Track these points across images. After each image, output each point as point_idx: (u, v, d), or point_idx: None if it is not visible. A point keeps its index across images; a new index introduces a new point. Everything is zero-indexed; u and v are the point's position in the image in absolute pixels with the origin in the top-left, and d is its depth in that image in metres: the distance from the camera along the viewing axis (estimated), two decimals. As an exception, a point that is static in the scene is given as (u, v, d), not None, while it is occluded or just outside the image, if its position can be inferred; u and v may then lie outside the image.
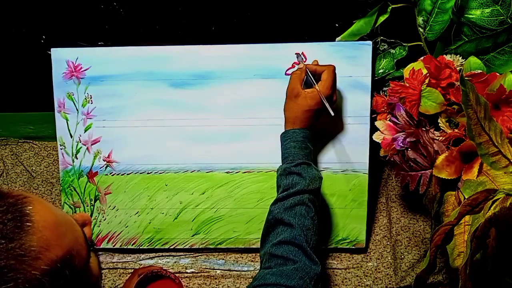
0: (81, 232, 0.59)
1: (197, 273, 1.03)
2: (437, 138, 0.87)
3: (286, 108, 0.91)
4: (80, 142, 1.02)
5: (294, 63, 0.97)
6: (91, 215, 1.03)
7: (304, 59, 0.96)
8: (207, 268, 1.04)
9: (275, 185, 1.00)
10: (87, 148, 1.02)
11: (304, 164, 0.86)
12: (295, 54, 0.97)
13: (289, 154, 0.88)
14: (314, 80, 0.90)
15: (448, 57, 0.89)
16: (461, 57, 0.89)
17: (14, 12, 1.01)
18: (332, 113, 0.89)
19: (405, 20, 0.93)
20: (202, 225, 1.03)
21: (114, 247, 1.04)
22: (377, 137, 0.95)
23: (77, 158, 1.02)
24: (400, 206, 1.08)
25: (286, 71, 0.98)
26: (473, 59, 0.87)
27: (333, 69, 0.90)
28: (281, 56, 0.97)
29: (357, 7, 0.95)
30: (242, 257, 1.05)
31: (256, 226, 1.02)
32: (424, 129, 0.88)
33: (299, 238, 0.80)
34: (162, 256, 1.05)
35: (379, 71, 0.98)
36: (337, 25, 0.99)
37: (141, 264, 1.04)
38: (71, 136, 1.02)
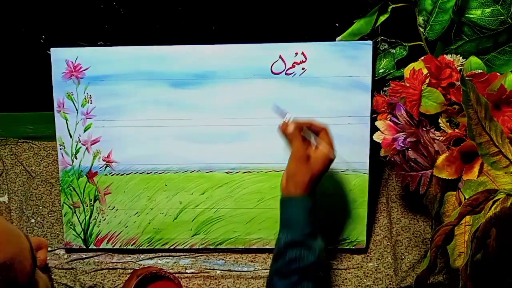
0: (28, 247, 0.59)
1: (197, 273, 1.03)
2: (437, 138, 0.87)
3: (295, 172, 0.83)
4: (80, 142, 1.02)
5: (283, 123, 0.91)
6: (91, 215, 1.03)
7: (285, 113, 0.89)
8: (207, 269, 1.04)
9: (275, 185, 1.00)
10: (87, 148, 1.02)
11: (312, 235, 0.82)
12: (275, 107, 0.92)
13: (299, 223, 0.82)
14: (315, 139, 0.86)
15: (448, 57, 0.89)
16: (461, 57, 0.89)
17: (14, 12, 1.01)
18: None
19: (406, 20, 0.93)
20: (202, 225, 1.03)
21: (114, 247, 1.04)
22: (377, 137, 0.94)
23: (76, 158, 1.02)
24: (401, 207, 1.08)
25: (286, 70, 0.98)
26: (473, 59, 0.87)
27: (328, 131, 0.87)
28: (281, 56, 0.97)
29: (357, 7, 0.95)
30: (242, 258, 1.04)
31: (256, 226, 1.02)
32: (424, 129, 0.88)
33: None
34: (162, 256, 1.05)
35: (380, 71, 0.98)
36: (337, 25, 0.99)
37: (141, 265, 1.04)
38: (71, 136, 1.02)
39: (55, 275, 1.03)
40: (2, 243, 0.55)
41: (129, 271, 1.02)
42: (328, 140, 0.86)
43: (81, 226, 1.03)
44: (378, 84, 0.99)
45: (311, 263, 0.80)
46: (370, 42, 0.96)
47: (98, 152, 1.02)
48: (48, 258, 1.05)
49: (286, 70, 0.97)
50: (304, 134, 0.86)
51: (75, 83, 1.00)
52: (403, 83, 0.89)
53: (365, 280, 1.02)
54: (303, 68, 0.97)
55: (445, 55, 0.90)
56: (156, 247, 1.04)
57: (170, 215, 1.03)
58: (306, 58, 0.97)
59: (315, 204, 0.84)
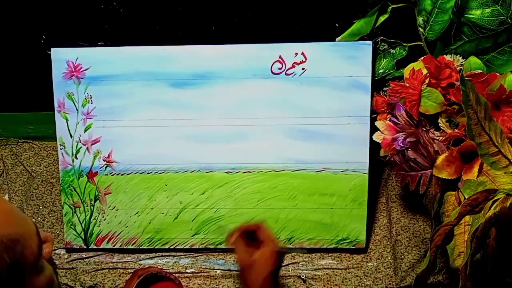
0: (34, 230, 0.61)
1: (197, 273, 1.03)
2: (437, 138, 0.87)
3: (245, 280, 0.83)
4: (80, 142, 1.02)
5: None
6: (91, 215, 1.03)
7: (221, 226, 0.92)
8: (207, 268, 1.04)
9: (275, 185, 1.00)
10: (87, 148, 1.02)
11: None
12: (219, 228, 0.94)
13: None
14: (254, 239, 0.86)
15: (448, 57, 0.89)
16: (461, 57, 0.89)
17: (14, 12, 1.01)
18: (306, 251, 0.87)
19: (405, 20, 0.93)
20: (202, 225, 1.03)
21: (114, 247, 1.04)
22: (377, 137, 0.95)
23: (77, 158, 1.02)
24: (400, 206, 1.08)
25: (286, 71, 0.98)
26: (473, 59, 0.87)
27: (263, 226, 0.86)
28: (281, 56, 0.97)
29: (357, 7, 0.95)
30: (242, 257, 1.04)
31: (256, 226, 1.02)
32: (424, 129, 0.88)
33: None
34: (162, 256, 1.05)
35: (379, 71, 0.98)
36: (337, 25, 0.99)
37: (141, 264, 1.04)
38: (71, 136, 1.02)
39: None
40: (11, 220, 0.58)
41: (130, 270, 1.03)
42: (267, 237, 0.85)
43: (82, 226, 1.04)
44: (378, 84, 0.99)
45: None
46: (370, 42, 0.96)
47: (98, 152, 1.02)
48: (49, 258, 1.05)
49: (286, 70, 0.98)
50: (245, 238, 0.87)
51: (75, 83, 1.00)
52: (402, 83, 0.89)
53: (365, 280, 1.02)
54: (303, 68, 0.97)
55: (444, 55, 0.90)
56: (156, 247, 1.04)
57: (170, 215, 1.03)
58: (306, 58, 0.97)
59: None
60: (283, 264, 1.02)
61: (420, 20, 0.91)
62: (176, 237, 1.04)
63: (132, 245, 1.04)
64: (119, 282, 1.02)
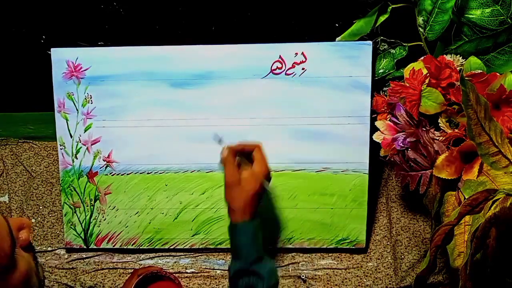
0: (5, 227, 0.59)
1: (197, 273, 1.03)
2: (437, 138, 0.87)
3: (230, 198, 0.83)
4: (80, 142, 1.02)
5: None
6: (91, 215, 1.03)
7: (222, 141, 0.91)
8: (207, 268, 1.04)
9: (275, 185, 1.00)
10: (87, 148, 1.02)
11: (259, 260, 0.81)
12: (214, 135, 0.93)
13: (242, 251, 0.82)
14: (247, 160, 0.86)
15: (448, 57, 0.89)
16: (461, 57, 0.89)
17: (14, 12, 1.01)
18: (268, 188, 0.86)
19: (405, 20, 0.93)
20: (202, 225, 1.03)
21: (114, 247, 1.04)
22: (377, 137, 0.95)
23: (77, 158, 1.02)
24: (400, 206, 1.08)
25: (286, 71, 0.98)
26: (473, 59, 0.87)
27: (261, 146, 0.86)
28: (281, 56, 0.97)
29: (357, 7, 0.95)
30: (242, 257, 1.04)
31: (256, 226, 1.02)
32: (424, 129, 0.88)
33: None
34: (162, 256, 1.05)
35: (379, 71, 0.98)
36: (337, 25, 0.99)
37: (141, 264, 1.04)
38: (71, 136, 1.02)
39: (55, 275, 1.03)
40: None
41: (130, 270, 1.03)
42: (260, 157, 0.85)
43: (82, 226, 1.04)
44: (378, 84, 0.99)
45: None
46: (370, 42, 0.96)
47: (98, 152, 1.02)
48: (49, 258, 1.05)
49: (286, 70, 0.98)
50: (239, 159, 0.86)
51: (75, 83, 1.00)
52: (402, 83, 0.89)
53: (365, 280, 1.02)
54: (303, 68, 0.97)
55: (444, 55, 0.90)
56: (156, 247, 1.04)
57: (170, 215, 1.03)
58: (306, 58, 0.97)
59: (257, 227, 0.83)
60: (283, 264, 1.02)
61: (420, 20, 0.91)
62: (176, 237, 1.04)
63: (132, 245, 1.04)
64: (119, 282, 1.02)
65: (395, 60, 0.97)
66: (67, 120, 1.01)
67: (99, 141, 1.02)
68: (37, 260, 0.65)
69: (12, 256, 0.59)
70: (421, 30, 0.92)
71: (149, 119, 1.00)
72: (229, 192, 0.83)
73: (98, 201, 1.03)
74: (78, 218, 1.04)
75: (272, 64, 0.98)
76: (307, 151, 1.00)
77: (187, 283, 1.02)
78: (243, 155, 0.87)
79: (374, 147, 0.97)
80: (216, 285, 1.02)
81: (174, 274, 0.97)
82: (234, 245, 0.83)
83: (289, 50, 0.97)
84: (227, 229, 0.85)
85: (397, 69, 0.97)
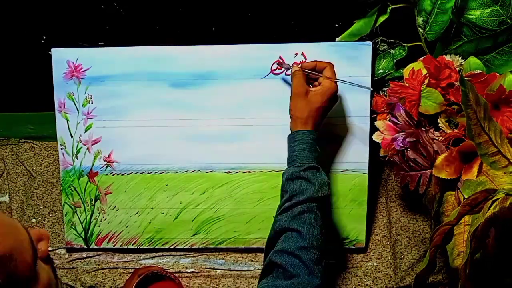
0: (27, 238, 0.58)
1: (197, 273, 1.04)
2: (436, 138, 0.87)
3: (294, 108, 0.87)
4: (81, 142, 1.02)
5: (294, 63, 0.97)
6: (91, 215, 1.03)
7: (288, 66, 0.94)
8: (207, 268, 1.04)
9: (275, 185, 1.00)
10: (88, 148, 1.02)
11: (313, 168, 0.82)
12: (278, 63, 0.96)
13: (298, 157, 0.84)
14: (318, 74, 0.89)
15: (447, 57, 0.89)
16: (460, 57, 0.89)
17: (14, 12, 1.01)
18: (371, 88, 0.90)
19: (405, 21, 0.93)
20: (202, 225, 1.03)
21: (115, 247, 1.04)
22: (377, 137, 0.95)
23: (77, 158, 1.02)
24: (400, 206, 1.08)
25: (272, 71, 0.98)
26: (472, 59, 0.87)
27: (333, 66, 0.90)
28: (281, 56, 0.98)
29: (357, 7, 0.95)
30: (242, 257, 1.05)
31: (256, 226, 1.03)
32: (423, 129, 0.88)
33: (303, 252, 0.75)
34: (162, 256, 1.05)
35: (379, 71, 0.98)
36: (337, 25, 0.99)
37: (141, 264, 1.04)
38: (72, 136, 1.02)
39: (56, 274, 1.03)
40: (1, 235, 0.54)
41: (130, 270, 1.03)
42: (331, 74, 0.88)
43: (82, 225, 1.04)
44: (378, 84, 0.99)
45: (311, 196, 0.80)
46: (370, 42, 0.96)
47: (99, 152, 1.02)
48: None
49: (286, 70, 0.98)
50: (309, 75, 0.89)
51: (76, 83, 1.00)
52: (402, 83, 0.89)
53: (365, 280, 1.02)
54: (303, 69, 0.97)
55: (444, 56, 0.90)
56: (156, 247, 1.04)
57: (170, 214, 1.03)
58: (306, 59, 0.97)
59: (316, 140, 0.85)
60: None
61: (419, 20, 0.92)
62: (176, 237, 1.04)
63: (132, 245, 1.04)
64: (120, 282, 1.02)
65: (395, 60, 0.97)
66: (67, 120, 1.01)
67: (99, 141, 1.02)
68: (56, 272, 0.65)
69: (34, 267, 0.58)
70: (421, 30, 0.92)
71: (149, 119, 1.01)
72: (295, 102, 0.87)
73: (98, 201, 1.03)
74: (79, 218, 1.04)
75: (272, 64, 0.98)
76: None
77: (187, 283, 1.02)
78: (314, 73, 0.90)
79: (374, 147, 0.98)
80: (216, 285, 1.02)
81: (175, 274, 0.97)
82: (291, 152, 0.85)
83: (289, 50, 0.97)
84: (286, 140, 0.87)
85: (396, 69, 0.97)
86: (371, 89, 0.90)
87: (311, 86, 0.91)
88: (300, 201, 0.80)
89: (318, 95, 0.86)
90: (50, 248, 1.06)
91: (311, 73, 0.90)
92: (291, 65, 0.94)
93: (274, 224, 0.81)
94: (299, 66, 0.90)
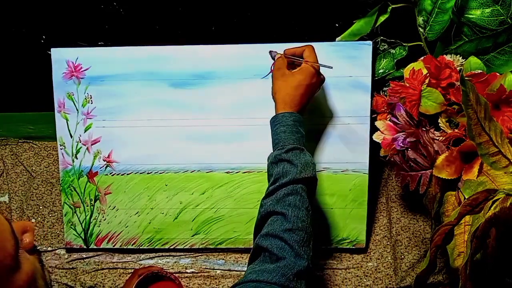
0: (8, 228, 0.59)
1: (197, 273, 1.03)
2: (437, 138, 0.87)
3: (274, 90, 0.87)
4: (80, 142, 1.02)
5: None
6: (91, 215, 1.03)
7: (275, 53, 0.94)
8: (207, 268, 1.04)
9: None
10: (87, 148, 1.02)
11: (295, 149, 0.82)
12: (270, 52, 0.95)
13: (279, 140, 0.83)
14: (297, 59, 0.89)
15: (448, 57, 0.89)
16: (461, 57, 0.89)
17: (14, 12, 1.01)
18: (332, 66, 0.88)
19: (405, 20, 0.93)
20: (202, 225, 1.03)
21: (114, 247, 1.04)
22: (377, 137, 0.95)
23: (77, 158, 1.02)
24: (400, 206, 1.08)
25: (271, 71, 0.98)
26: (473, 59, 0.87)
27: (312, 47, 0.89)
28: (281, 56, 0.98)
29: (357, 7, 0.95)
30: (242, 257, 1.05)
31: (256, 226, 1.02)
32: (424, 129, 0.88)
33: (289, 234, 0.74)
34: (162, 256, 1.05)
35: (379, 71, 0.98)
36: (337, 25, 0.99)
37: (141, 264, 1.04)
38: (71, 136, 1.02)
39: (55, 275, 1.03)
40: None
41: (130, 270, 1.03)
42: (309, 55, 0.87)
43: (82, 226, 1.04)
44: (378, 84, 0.99)
45: (294, 178, 0.79)
46: (370, 42, 0.96)
47: (98, 152, 1.02)
48: (49, 258, 1.05)
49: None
50: (293, 61, 0.89)
51: (75, 83, 1.00)
52: (402, 83, 0.89)
53: (365, 280, 1.02)
54: (303, 68, 0.97)
55: (444, 55, 0.90)
56: (156, 247, 1.04)
57: (170, 215, 1.03)
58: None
59: (297, 121, 0.84)
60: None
61: (420, 20, 0.91)
62: (176, 237, 1.04)
63: (132, 245, 1.04)
64: (119, 282, 1.02)
65: (395, 60, 0.97)
66: (67, 120, 1.01)
67: (99, 141, 1.02)
68: (43, 263, 0.65)
69: (16, 256, 0.58)
70: (421, 30, 0.92)
71: (149, 119, 1.00)
72: (274, 84, 0.88)
73: (98, 201, 1.03)
74: (78, 218, 1.04)
75: (272, 64, 0.98)
76: (307, 151, 0.99)
77: (187, 283, 1.02)
78: (295, 57, 0.89)
79: (374, 147, 0.97)
80: (216, 285, 1.02)
81: (175, 274, 0.97)
82: (274, 136, 0.85)
83: (289, 50, 0.97)
84: (269, 123, 0.87)
85: (397, 69, 0.97)
86: (331, 67, 0.88)
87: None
88: (284, 183, 0.79)
89: (296, 74, 0.86)
90: (50, 249, 1.06)
91: (293, 59, 0.90)
92: (277, 52, 0.94)
93: (260, 208, 0.80)
94: (281, 54, 0.91)
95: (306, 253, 0.75)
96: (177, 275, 1.00)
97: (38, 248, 1.05)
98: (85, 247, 1.04)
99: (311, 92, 0.87)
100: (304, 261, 0.73)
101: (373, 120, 0.97)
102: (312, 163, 0.82)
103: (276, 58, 0.92)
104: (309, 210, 0.79)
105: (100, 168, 1.02)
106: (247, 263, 1.03)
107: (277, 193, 0.79)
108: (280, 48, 0.97)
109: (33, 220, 1.08)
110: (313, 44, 0.96)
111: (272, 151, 0.85)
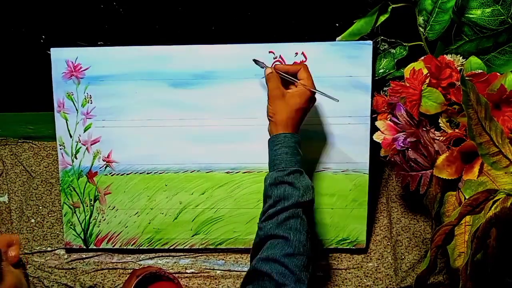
0: None
1: (197, 273, 1.03)
2: (437, 138, 0.87)
3: (273, 111, 0.85)
4: (80, 142, 1.02)
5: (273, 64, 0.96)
6: (91, 215, 1.03)
7: (263, 65, 0.93)
8: (207, 269, 1.04)
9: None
10: (87, 148, 1.02)
11: (297, 172, 0.81)
12: (254, 60, 0.94)
13: (281, 161, 0.81)
14: (292, 79, 0.88)
15: (448, 57, 0.89)
16: (461, 57, 0.89)
17: (14, 12, 1.00)
18: (338, 99, 0.87)
19: (406, 20, 0.93)
20: (202, 225, 1.03)
21: (114, 247, 1.04)
22: (377, 137, 0.94)
23: (76, 158, 1.02)
24: (401, 207, 1.08)
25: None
26: (473, 59, 0.87)
27: (307, 67, 0.88)
28: (281, 56, 0.97)
29: (357, 7, 0.94)
30: (242, 258, 1.04)
31: (256, 226, 1.02)
32: (424, 129, 0.88)
33: (290, 259, 0.74)
34: (162, 256, 1.05)
35: (380, 71, 0.98)
36: (337, 25, 0.98)
37: (141, 265, 1.04)
38: (71, 136, 1.02)
39: (55, 275, 1.03)
40: None
41: (129, 271, 1.02)
42: (306, 76, 0.86)
43: (81, 226, 1.03)
44: (378, 84, 0.99)
45: (297, 201, 0.78)
46: (370, 42, 0.96)
47: (98, 152, 1.02)
48: (48, 258, 1.05)
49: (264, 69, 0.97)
50: (282, 77, 0.88)
51: (75, 83, 1.00)
52: (403, 83, 0.89)
53: (365, 280, 1.02)
54: (303, 68, 0.97)
55: (445, 55, 0.90)
56: (156, 247, 1.04)
57: (170, 215, 1.03)
58: (306, 58, 0.97)
59: (298, 142, 0.84)
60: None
61: (420, 19, 0.91)
62: (176, 237, 1.03)
63: (131, 245, 1.04)
64: (119, 282, 1.02)
65: (396, 60, 0.97)
66: (66, 120, 1.01)
67: (98, 141, 1.01)
68: (28, 278, 0.66)
69: None
70: (422, 30, 0.92)
71: (149, 119, 1.00)
72: (273, 105, 0.85)
73: (97, 201, 1.03)
74: (78, 218, 1.03)
75: (272, 64, 0.98)
76: (307, 151, 0.99)
77: (187, 283, 1.02)
78: (288, 76, 0.88)
79: (375, 147, 0.97)
80: (216, 285, 1.02)
81: (174, 274, 0.96)
82: (273, 156, 0.83)
83: (289, 50, 0.97)
84: (268, 144, 0.85)
85: (397, 69, 0.97)
86: (337, 100, 0.89)
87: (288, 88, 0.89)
88: (286, 207, 0.78)
89: (296, 96, 0.85)
90: (49, 249, 1.05)
91: (285, 77, 0.88)
92: (266, 64, 0.93)
93: (259, 231, 0.79)
94: (273, 67, 0.89)
95: (307, 278, 0.74)
96: (176, 275, 1.00)
97: (38, 248, 1.05)
98: (84, 247, 1.04)
99: (306, 114, 0.87)
100: (304, 286, 0.73)
101: (373, 120, 0.97)
102: (312, 187, 0.82)
103: (267, 73, 0.89)
104: (309, 234, 0.78)
105: (100, 168, 1.02)
106: (246, 263, 1.03)
107: (278, 216, 0.78)
108: (280, 48, 0.97)
109: (33, 220, 1.08)
110: (313, 44, 0.97)
111: (270, 172, 0.83)
